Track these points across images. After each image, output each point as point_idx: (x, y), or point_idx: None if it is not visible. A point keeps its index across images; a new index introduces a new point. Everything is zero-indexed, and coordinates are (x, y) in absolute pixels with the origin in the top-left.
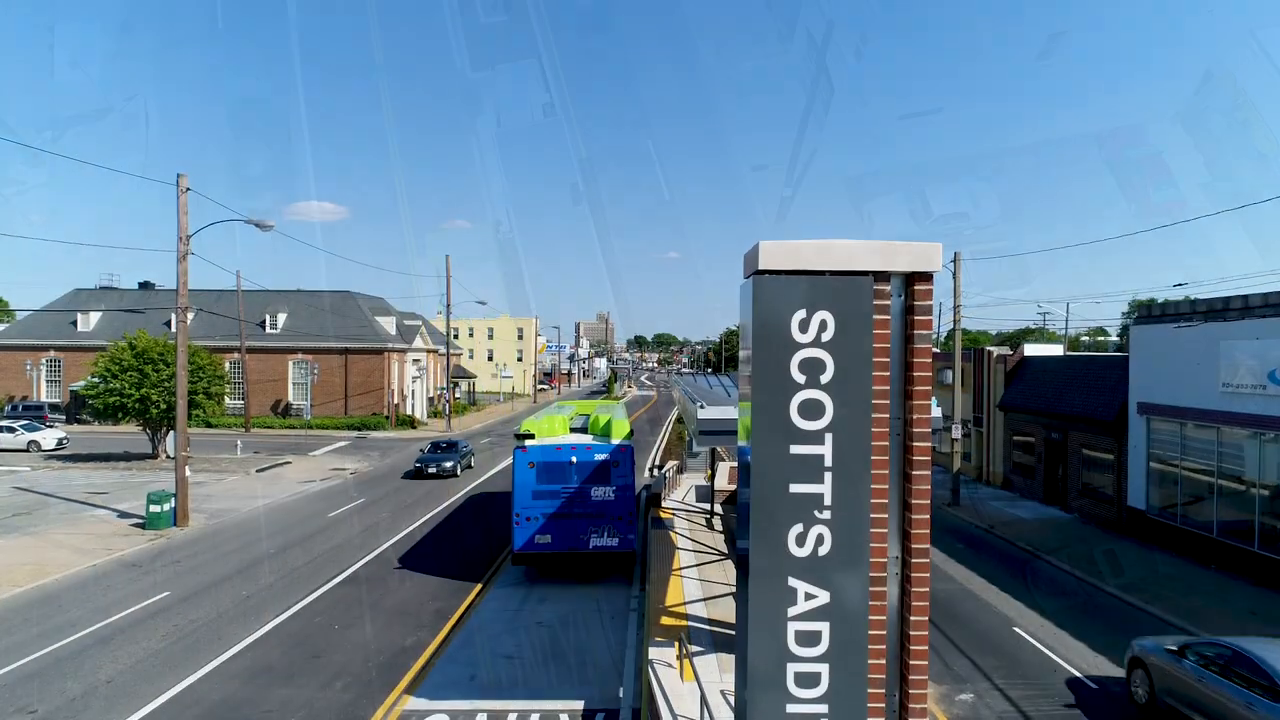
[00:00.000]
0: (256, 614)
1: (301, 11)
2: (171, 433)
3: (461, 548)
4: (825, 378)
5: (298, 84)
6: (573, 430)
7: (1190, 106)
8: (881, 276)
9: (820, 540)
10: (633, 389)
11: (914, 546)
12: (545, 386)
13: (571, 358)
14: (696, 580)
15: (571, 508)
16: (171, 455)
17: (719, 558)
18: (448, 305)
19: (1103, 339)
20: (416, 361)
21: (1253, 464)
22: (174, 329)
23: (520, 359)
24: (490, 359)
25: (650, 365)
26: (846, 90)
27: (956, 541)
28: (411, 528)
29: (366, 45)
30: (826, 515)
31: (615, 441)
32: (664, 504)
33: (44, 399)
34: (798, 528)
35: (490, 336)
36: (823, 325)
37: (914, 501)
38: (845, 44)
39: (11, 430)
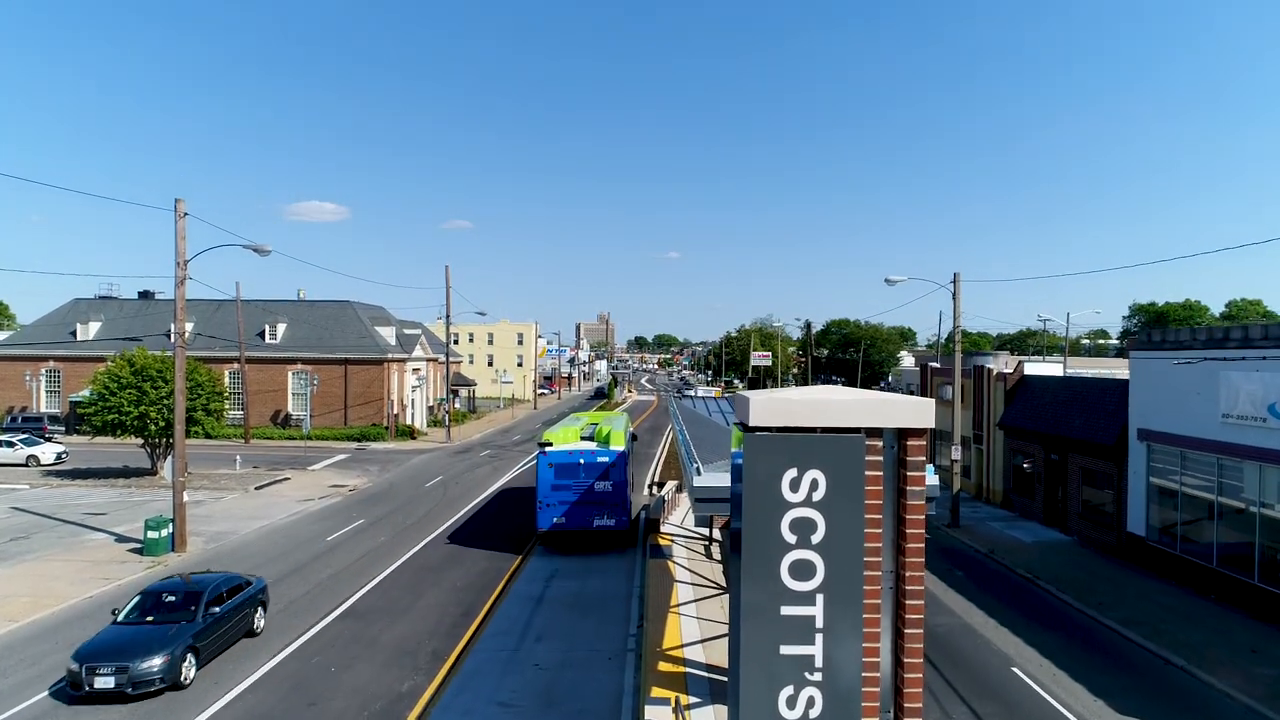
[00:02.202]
0: (253, 653)
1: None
2: (171, 453)
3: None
4: (816, 538)
5: (296, 82)
6: (582, 439)
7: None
8: (874, 432)
9: (811, 703)
10: (633, 393)
11: (907, 705)
12: (546, 391)
13: (572, 361)
14: (694, 618)
15: (580, 497)
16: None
17: (717, 592)
18: (447, 315)
19: (1104, 342)
20: (416, 371)
21: (1252, 495)
22: (173, 340)
23: (520, 364)
24: (490, 364)
25: (650, 367)
26: (849, 96)
27: (955, 568)
28: (410, 554)
29: (367, 42)
30: (818, 677)
31: (614, 448)
32: (663, 528)
33: (43, 410)
34: (788, 690)
35: (490, 342)
36: (814, 484)
37: (908, 660)
38: (846, 49)
39: (11, 445)
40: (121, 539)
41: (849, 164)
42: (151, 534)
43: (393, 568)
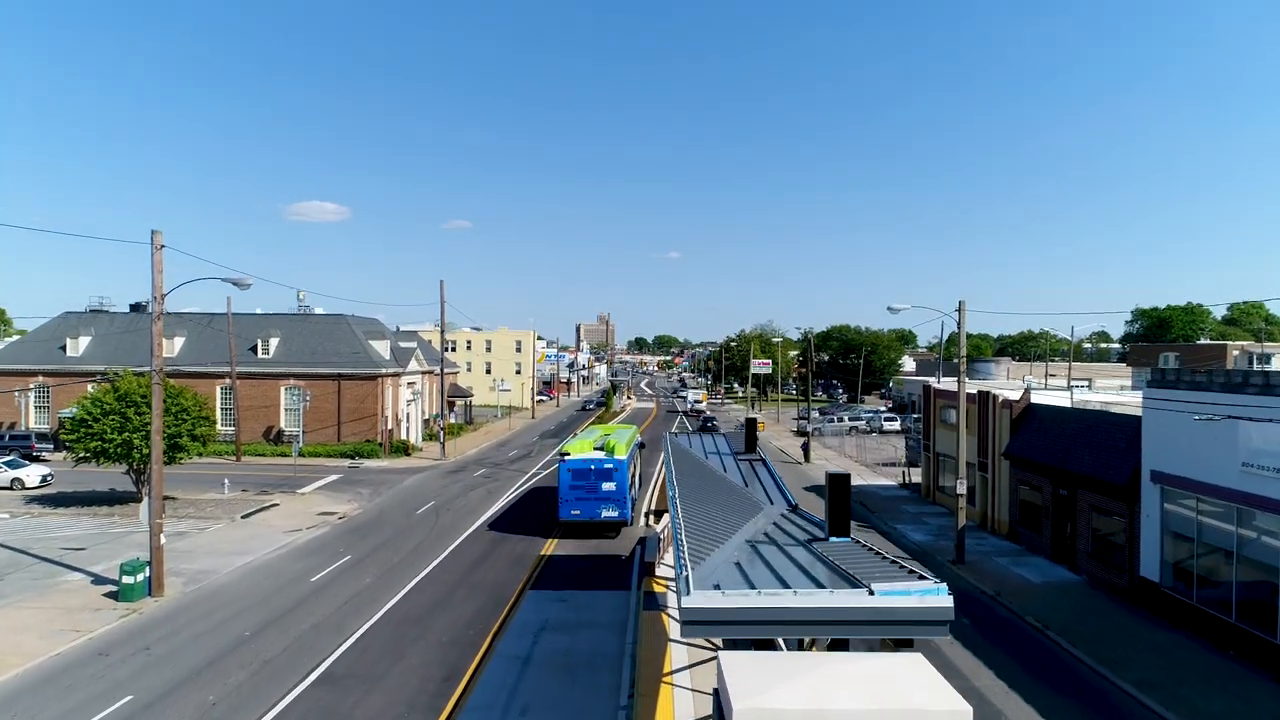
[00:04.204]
0: None
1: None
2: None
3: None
4: None
5: (296, 82)
6: (595, 449)
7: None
8: None
9: None
10: (632, 400)
11: None
12: (544, 398)
13: (571, 366)
14: (688, 689)
15: (591, 494)
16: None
17: (711, 654)
18: (442, 329)
19: (1106, 346)
20: (411, 384)
21: (1275, 549)
22: (164, 352)
23: (519, 372)
24: (488, 372)
25: (650, 369)
26: (850, 97)
27: (962, 614)
28: (395, 599)
29: (367, 42)
30: None
31: (617, 457)
32: (658, 571)
33: (32, 426)
34: None
35: (488, 349)
36: None
37: None
38: (846, 49)
39: None
40: (99, 580)
41: (850, 164)
42: (127, 579)
43: (375, 618)
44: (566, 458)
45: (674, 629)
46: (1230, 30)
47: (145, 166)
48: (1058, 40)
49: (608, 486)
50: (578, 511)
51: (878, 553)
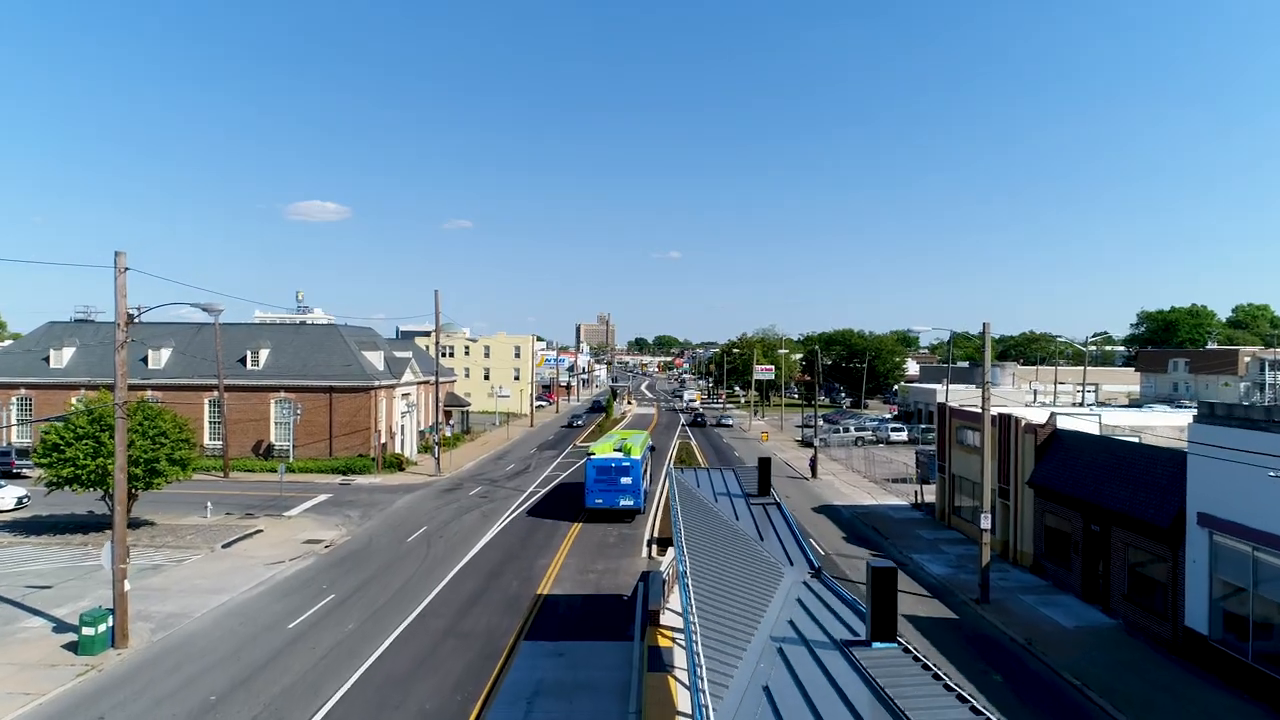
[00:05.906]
0: None
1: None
2: (140, 496)
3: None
4: None
5: (297, 82)
6: (615, 450)
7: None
8: None
9: None
10: (633, 405)
11: None
12: (543, 403)
13: (571, 369)
14: None
15: (611, 487)
16: (140, 522)
17: None
18: (436, 341)
19: (1110, 348)
20: (406, 396)
21: None
22: (150, 364)
23: (517, 377)
24: (487, 378)
25: (651, 371)
26: (852, 96)
27: (993, 670)
28: (378, 652)
29: (367, 42)
30: None
31: (633, 457)
32: (663, 619)
33: (13, 442)
34: None
35: (487, 355)
36: None
37: None
38: (846, 49)
39: None
40: (60, 627)
41: (850, 164)
42: (87, 630)
43: (354, 678)
44: (592, 456)
45: (682, 698)
46: (1230, 30)
47: (145, 166)
48: (1058, 40)
49: (625, 480)
50: (600, 500)
51: (933, 672)
